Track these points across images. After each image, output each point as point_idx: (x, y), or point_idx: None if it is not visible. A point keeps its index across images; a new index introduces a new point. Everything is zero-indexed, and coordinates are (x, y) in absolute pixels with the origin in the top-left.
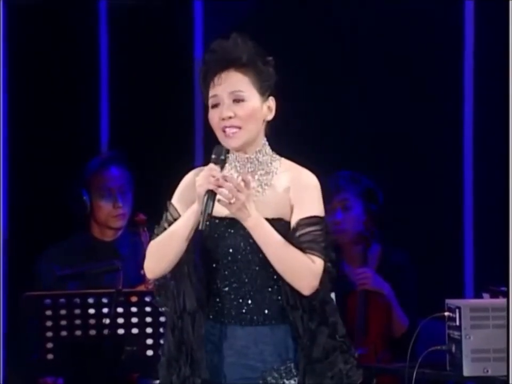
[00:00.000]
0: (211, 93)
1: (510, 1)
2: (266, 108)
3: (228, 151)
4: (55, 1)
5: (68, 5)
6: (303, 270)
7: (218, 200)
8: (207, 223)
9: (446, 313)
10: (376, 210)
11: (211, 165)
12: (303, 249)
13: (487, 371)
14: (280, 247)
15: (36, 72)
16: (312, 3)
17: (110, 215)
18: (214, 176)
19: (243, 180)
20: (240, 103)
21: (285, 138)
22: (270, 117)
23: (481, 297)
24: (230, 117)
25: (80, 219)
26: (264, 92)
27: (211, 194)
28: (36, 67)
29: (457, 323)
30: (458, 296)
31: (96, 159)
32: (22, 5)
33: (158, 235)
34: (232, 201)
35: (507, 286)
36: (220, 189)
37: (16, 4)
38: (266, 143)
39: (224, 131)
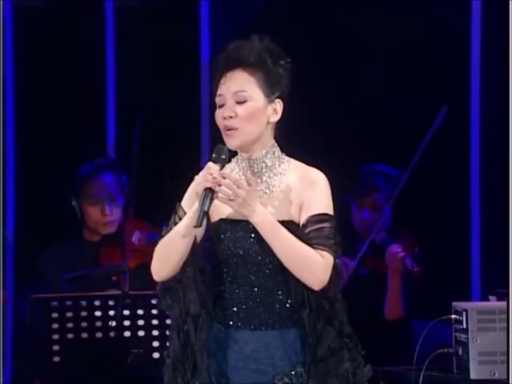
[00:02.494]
0: (218, 92)
1: (510, 1)
2: (272, 110)
3: (229, 151)
4: (61, 3)
5: (74, 6)
6: (311, 265)
7: (217, 197)
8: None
9: (453, 316)
10: (403, 210)
11: (209, 164)
12: (312, 245)
13: (494, 374)
14: (288, 242)
15: (41, 74)
16: (319, 4)
17: (99, 222)
18: (211, 174)
19: (245, 177)
20: (242, 104)
21: (295, 136)
22: (274, 119)
23: (488, 300)
24: (231, 117)
25: (71, 224)
26: (271, 93)
27: (208, 192)
28: (42, 69)
29: (464, 326)
30: (465, 299)
31: (86, 166)
32: (28, 6)
33: (164, 236)
34: (232, 197)
35: (507, 288)
36: (219, 187)
37: (22, 6)
38: (275, 144)
39: (225, 129)
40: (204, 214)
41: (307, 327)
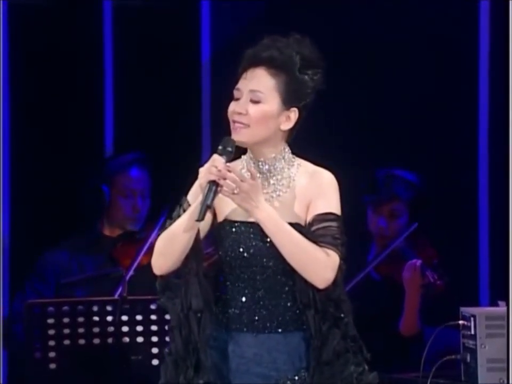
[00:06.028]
0: (237, 85)
1: (510, 1)
2: (285, 117)
3: (235, 144)
4: (58, 2)
5: (72, 5)
6: (316, 263)
7: (220, 190)
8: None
9: (461, 322)
10: (422, 218)
11: (215, 156)
12: (318, 243)
13: (503, 381)
14: (292, 239)
15: (38, 73)
16: (322, 3)
17: (127, 216)
18: (216, 167)
19: (249, 171)
20: (255, 104)
21: (311, 133)
22: (286, 127)
23: (496, 305)
24: (241, 113)
25: (93, 215)
26: (288, 101)
27: (212, 185)
28: (39, 68)
29: (472, 332)
30: (473, 304)
31: (119, 157)
32: (26, 5)
33: (166, 228)
34: (235, 191)
35: (507, 290)
36: (223, 181)
37: (18, 4)
38: (286, 148)
39: (233, 123)
40: (207, 208)
41: (312, 329)
